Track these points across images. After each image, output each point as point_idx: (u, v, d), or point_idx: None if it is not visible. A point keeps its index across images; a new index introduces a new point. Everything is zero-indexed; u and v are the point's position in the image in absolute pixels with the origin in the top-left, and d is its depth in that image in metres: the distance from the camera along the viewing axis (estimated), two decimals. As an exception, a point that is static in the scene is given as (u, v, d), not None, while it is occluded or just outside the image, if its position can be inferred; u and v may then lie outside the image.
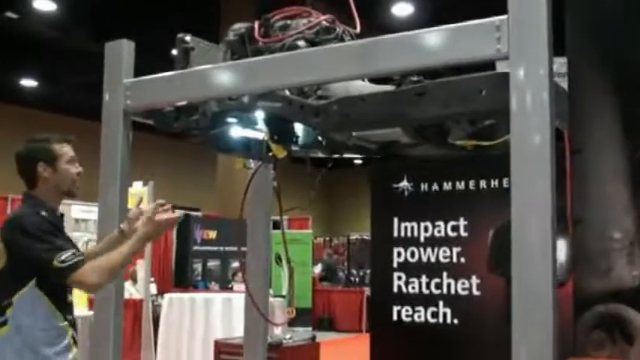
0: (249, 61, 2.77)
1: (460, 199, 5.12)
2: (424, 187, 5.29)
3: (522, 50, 2.14)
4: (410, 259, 5.26)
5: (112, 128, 3.02)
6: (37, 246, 2.78)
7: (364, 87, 2.81)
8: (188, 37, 3.06)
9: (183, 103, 2.99)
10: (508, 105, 2.28)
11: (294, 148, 3.10)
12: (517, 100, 2.16)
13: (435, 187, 5.24)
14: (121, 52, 2.99)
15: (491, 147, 3.00)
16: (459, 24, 2.27)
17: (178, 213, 2.99)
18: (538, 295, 2.12)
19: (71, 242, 2.97)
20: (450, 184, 5.20)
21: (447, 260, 5.12)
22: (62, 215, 3.14)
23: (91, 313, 9.23)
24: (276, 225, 12.26)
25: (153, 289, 10.14)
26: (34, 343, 2.82)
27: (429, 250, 5.21)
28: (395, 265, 5.31)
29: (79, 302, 8.99)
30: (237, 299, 8.50)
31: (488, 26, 2.20)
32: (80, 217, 9.20)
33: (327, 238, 15.13)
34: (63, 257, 2.75)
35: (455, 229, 5.12)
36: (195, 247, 12.93)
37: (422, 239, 5.24)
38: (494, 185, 5.04)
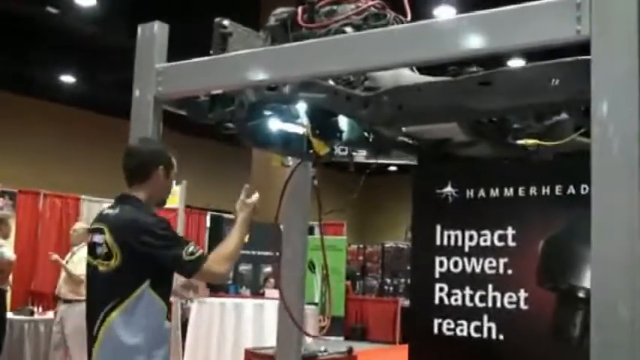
0: (291, 46, 2.53)
1: (508, 207, 4.81)
2: (470, 193, 4.98)
3: (607, 32, 1.86)
4: (453, 270, 4.96)
5: (141, 117, 2.80)
6: (166, 244, 2.87)
7: (415, 78, 2.55)
8: (226, 22, 2.84)
9: (219, 91, 2.75)
10: (582, 97, 2.00)
11: (338, 144, 2.84)
12: (600, 90, 1.87)
13: (482, 193, 4.94)
14: (154, 34, 2.77)
15: (556, 147, 2.72)
16: (532, 2, 2.00)
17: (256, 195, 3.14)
18: (619, 312, 1.82)
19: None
20: (497, 190, 4.89)
21: (493, 272, 4.82)
22: None
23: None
24: (310, 230, 12.01)
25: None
26: (146, 345, 2.86)
27: (473, 260, 4.91)
28: (437, 275, 5.02)
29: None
30: (269, 305, 8.26)
31: (566, 4, 1.92)
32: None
33: (361, 246, 14.82)
34: (190, 250, 2.87)
35: (502, 238, 4.82)
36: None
37: (466, 248, 4.93)
38: (546, 192, 4.72)
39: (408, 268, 14.26)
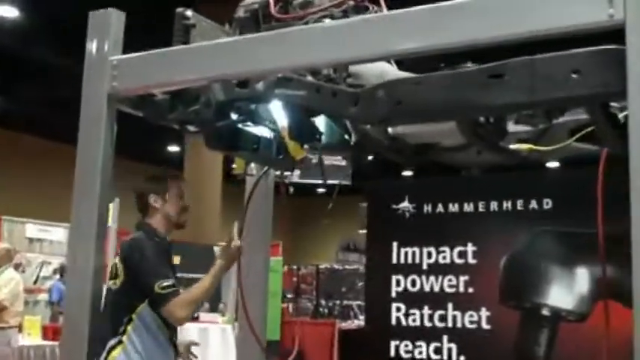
0: (266, 34, 2.25)
1: (468, 222, 4.65)
2: (427, 208, 4.79)
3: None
4: (410, 289, 4.75)
5: (92, 117, 2.46)
6: (145, 268, 3.04)
7: (402, 75, 2.31)
8: (189, 12, 2.54)
9: (183, 87, 2.45)
10: (605, 91, 1.79)
11: (316, 147, 2.57)
12: (637, 83, 1.67)
13: (440, 208, 4.76)
14: (109, 22, 2.45)
15: (550, 153, 2.52)
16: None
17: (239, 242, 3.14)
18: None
19: (173, 272, 3.17)
20: (456, 205, 4.71)
21: (453, 290, 4.62)
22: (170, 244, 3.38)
23: (45, 342, 8.53)
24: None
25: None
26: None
27: (432, 278, 4.71)
28: (393, 294, 4.79)
29: (32, 332, 8.24)
30: (214, 329, 7.85)
31: (596, -16, 1.72)
32: (35, 237, 8.46)
33: (295, 267, 14.52)
34: (164, 284, 3.00)
35: (462, 255, 4.64)
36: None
37: (424, 266, 4.73)
38: (507, 207, 4.57)
39: (343, 289, 14.04)
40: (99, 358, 2.91)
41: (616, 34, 1.81)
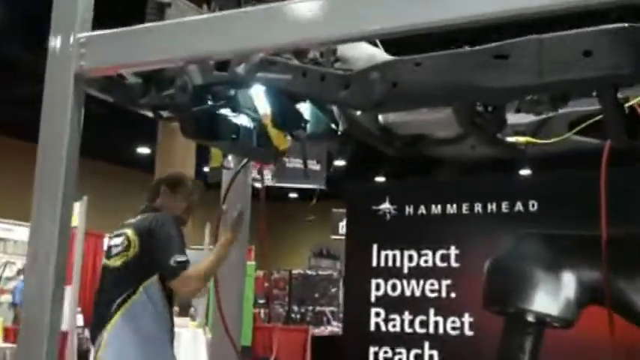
0: (248, 10, 2.06)
1: (451, 225, 4.49)
2: (409, 210, 4.63)
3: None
4: (390, 293, 4.58)
5: (57, 101, 2.25)
6: (167, 242, 3.12)
7: (391, 59, 2.14)
8: None
9: (157, 67, 2.25)
10: (616, 73, 1.64)
11: (301, 137, 2.38)
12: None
13: (422, 210, 4.60)
14: (76, -4, 2.23)
15: (548, 145, 2.37)
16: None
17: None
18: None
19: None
20: (439, 207, 4.56)
21: (435, 295, 4.47)
22: None
23: (6, 345, 8.21)
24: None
25: (79, 320, 9.11)
26: (155, 330, 3.18)
27: (413, 282, 4.54)
28: (373, 299, 4.62)
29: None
30: (183, 333, 7.60)
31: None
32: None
33: (267, 272, 14.30)
34: (179, 259, 3.08)
35: (444, 258, 4.48)
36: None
37: (405, 270, 4.57)
38: (492, 209, 4.42)
39: (316, 295, 13.86)
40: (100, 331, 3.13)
41: (630, 11, 1.66)
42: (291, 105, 2.24)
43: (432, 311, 4.45)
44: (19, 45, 12.08)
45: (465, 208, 4.48)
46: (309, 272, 14.39)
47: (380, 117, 2.25)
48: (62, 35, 2.23)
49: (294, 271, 14.28)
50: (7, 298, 10.39)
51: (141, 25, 2.21)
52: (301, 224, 25.20)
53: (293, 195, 24.01)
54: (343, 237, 19.96)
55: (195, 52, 2.11)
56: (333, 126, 2.38)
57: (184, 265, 3.07)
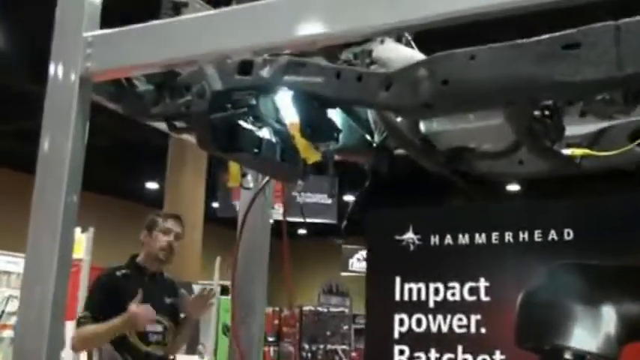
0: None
1: (480, 255, 4.21)
2: (434, 239, 4.35)
3: None
4: (415, 329, 4.28)
5: (60, 106, 2.01)
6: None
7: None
8: None
9: (171, 67, 2.01)
10: None
11: (332, 149, 2.13)
12: None
13: (449, 239, 4.32)
14: (84, -8, 2.01)
15: (607, 158, 2.11)
16: None
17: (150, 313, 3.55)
18: None
19: (115, 303, 3.50)
20: (467, 236, 4.28)
21: (464, 330, 4.16)
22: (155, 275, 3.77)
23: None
24: (225, 290, 11.03)
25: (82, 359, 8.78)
26: None
27: (439, 317, 4.24)
28: (396, 335, 4.31)
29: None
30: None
31: None
32: (1, 269, 7.87)
33: (277, 309, 13.97)
34: (81, 314, 3.40)
35: (473, 291, 4.19)
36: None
37: (431, 304, 4.27)
38: (524, 238, 4.14)
39: (328, 333, 13.49)
40: None
41: None
42: (321, 112, 1.99)
43: (460, 348, 4.15)
44: (26, 77, 11.96)
45: (494, 237, 4.20)
46: (320, 309, 14.03)
47: (422, 125, 2.00)
48: (66, 34, 2.01)
49: (305, 308, 13.94)
50: (8, 333, 10.07)
51: (156, 22, 1.98)
52: (310, 261, 24.96)
53: (302, 231, 23.80)
54: (353, 273, 19.65)
55: (214, 49, 1.87)
56: (368, 137, 2.13)
57: (81, 321, 3.42)
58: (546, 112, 1.88)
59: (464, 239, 4.26)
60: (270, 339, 14.28)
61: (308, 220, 14.14)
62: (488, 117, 1.94)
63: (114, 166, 15.84)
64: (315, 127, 1.98)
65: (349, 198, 17.15)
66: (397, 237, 4.41)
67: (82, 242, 7.09)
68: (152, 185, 19.00)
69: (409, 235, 4.39)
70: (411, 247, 4.38)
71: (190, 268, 11.71)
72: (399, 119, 1.98)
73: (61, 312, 2.13)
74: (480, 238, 4.23)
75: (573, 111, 1.95)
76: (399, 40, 2.10)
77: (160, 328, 3.63)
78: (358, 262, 19.28)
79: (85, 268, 7.35)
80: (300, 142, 2.04)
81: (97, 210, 16.90)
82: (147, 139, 13.77)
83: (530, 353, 3.96)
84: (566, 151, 2.07)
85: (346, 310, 14.29)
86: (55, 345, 2.03)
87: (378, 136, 2.10)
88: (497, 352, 4.06)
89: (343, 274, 19.63)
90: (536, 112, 1.87)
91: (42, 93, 2.09)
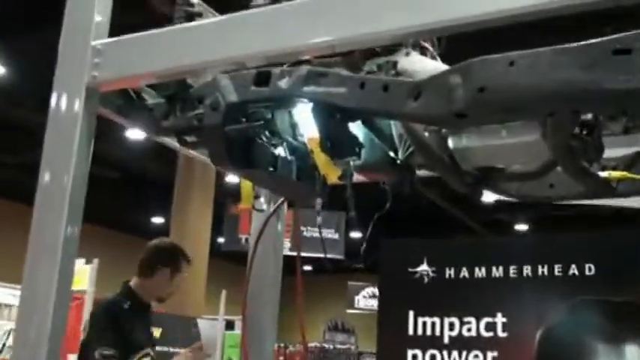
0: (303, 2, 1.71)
1: (497, 290, 4.07)
2: (450, 272, 4.21)
3: None
4: (430, 365, 4.11)
5: (64, 118, 1.89)
6: (91, 334, 3.14)
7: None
8: None
9: (184, 76, 1.89)
10: None
11: (353, 165, 1.99)
12: None
13: (465, 272, 4.18)
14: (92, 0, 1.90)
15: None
16: None
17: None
18: None
19: (126, 340, 3.13)
20: (483, 269, 4.14)
21: (480, 368, 3.99)
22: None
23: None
24: (230, 325, 10.78)
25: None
26: None
27: (455, 354, 4.09)
28: (410, 372, 4.15)
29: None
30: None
31: None
32: (3, 302, 7.70)
33: (282, 345, 13.73)
34: (105, 353, 3.01)
35: (490, 327, 4.03)
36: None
37: (446, 339, 4.12)
38: (543, 272, 3.99)
39: (332, 370, 13.23)
40: None
41: None
42: (343, 126, 1.86)
43: (477, 387, 3.98)
44: (30, 108, 11.92)
45: (512, 271, 4.06)
46: (325, 345, 13.79)
47: (450, 141, 1.87)
48: (74, 42, 1.90)
49: (311, 344, 13.69)
50: (10, 367, 9.88)
51: (169, 27, 1.86)
52: (315, 298, 24.78)
53: (307, 268, 23.64)
54: (359, 311, 19.36)
55: (227, 56, 1.76)
56: (391, 154, 1.99)
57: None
58: (585, 130, 1.76)
59: (480, 272, 4.12)
60: (274, 376, 14.05)
61: (315, 255, 13.98)
62: (522, 133, 1.81)
63: (119, 199, 15.75)
64: (336, 142, 1.86)
65: (356, 235, 17.01)
66: (411, 269, 4.27)
67: (85, 274, 6.93)
68: (158, 220, 18.88)
69: (424, 267, 4.25)
70: (426, 280, 4.24)
71: (194, 302, 11.52)
72: (427, 134, 1.85)
73: (57, 346, 1.98)
74: (497, 272, 4.08)
75: (613, 128, 1.82)
76: (423, 53, 1.98)
77: None
78: (364, 300, 19.01)
79: (89, 300, 7.18)
80: (320, 158, 1.91)
81: (100, 243, 16.80)
82: (153, 171, 13.70)
83: (550, 393, 3.78)
84: (603, 174, 1.93)
85: (352, 347, 14.04)
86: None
87: (402, 153, 1.97)
88: (516, 392, 3.90)
89: (349, 311, 19.36)
90: (576, 129, 1.75)
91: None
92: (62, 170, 1.83)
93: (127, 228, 19.30)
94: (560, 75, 1.43)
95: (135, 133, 12.02)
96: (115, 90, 2.04)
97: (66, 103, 1.88)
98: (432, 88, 1.57)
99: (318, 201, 1.98)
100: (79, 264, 7.13)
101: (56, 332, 1.88)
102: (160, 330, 11.48)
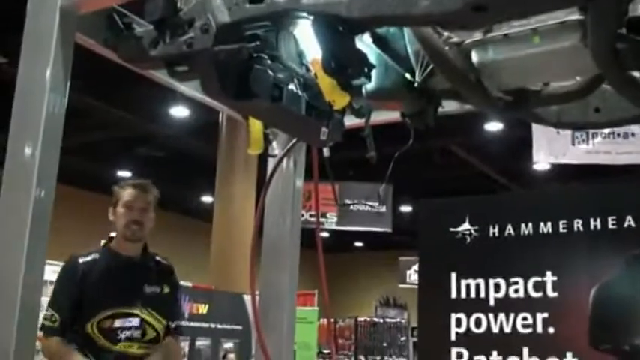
0: None
1: (546, 247, 3.78)
2: (493, 230, 3.94)
3: None
4: (475, 330, 3.88)
5: (38, 46, 1.69)
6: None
7: None
8: None
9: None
10: None
11: (364, 91, 1.75)
12: None
13: (509, 230, 3.90)
14: None
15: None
16: None
17: None
18: None
19: (77, 295, 2.96)
20: (530, 226, 3.86)
21: (529, 330, 3.76)
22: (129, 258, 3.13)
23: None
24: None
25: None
26: None
27: (501, 316, 3.84)
28: (453, 337, 3.92)
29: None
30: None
31: None
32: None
33: (332, 320, 13.56)
34: (45, 314, 2.89)
35: (539, 287, 3.77)
36: (183, 323, 11.17)
37: (491, 302, 3.88)
38: (595, 226, 3.69)
39: (385, 344, 13.02)
40: None
41: None
42: (348, 41, 1.62)
43: (525, 351, 3.73)
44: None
45: (562, 226, 3.77)
46: (375, 319, 13.56)
47: (474, 55, 1.62)
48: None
49: (360, 319, 13.48)
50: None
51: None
52: (367, 274, 24.61)
53: (358, 244, 23.46)
54: (411, 285, 19.13)
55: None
56: (408, 77, 1.74)
57: (46, 327, 2.90)
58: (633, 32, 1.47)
59: (527, 229, 3.84)
60: (326, 351, 13.87)
61: (362, 229, 13.74)
62: (557, 38, 1.54)
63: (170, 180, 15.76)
64: (341, 60, 1.61)
65: (405, 209, 16.69)
66: (452, 229, 4.01)
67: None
68: (207, 198, 18.90)
69: (465, 227, 3.99)
70: (468, 240, 3.97)
71: (239, 279, 11.46)
72: (447, 48, 1.59)
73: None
74: (545, 228, 3.79)
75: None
76: None
77: (134, 322, 2.85)
78: (416, 274, 18.72)
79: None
80: (324, 81, 1.67)
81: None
82: (198, 150, 13.61)
83: (606, 355, 3.50)
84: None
85: (403, 320, 13.78)
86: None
87: (420, 74, 1.72)
88: (569, 355, 3.61)
89: (401, 285, 19.12)
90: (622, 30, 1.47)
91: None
92: (35, 108, 1.64)
93: (173, 208, 19.33)
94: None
95: (179, 111, 11.97)
96: (100, 19, 1.85)
97: (39, 31, 1.69)
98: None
99: (324, 130, 1.74)
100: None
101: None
102: (207, 306, 11.47)
